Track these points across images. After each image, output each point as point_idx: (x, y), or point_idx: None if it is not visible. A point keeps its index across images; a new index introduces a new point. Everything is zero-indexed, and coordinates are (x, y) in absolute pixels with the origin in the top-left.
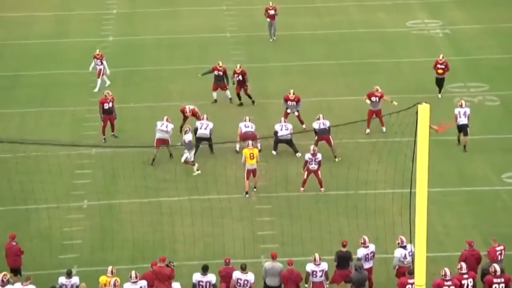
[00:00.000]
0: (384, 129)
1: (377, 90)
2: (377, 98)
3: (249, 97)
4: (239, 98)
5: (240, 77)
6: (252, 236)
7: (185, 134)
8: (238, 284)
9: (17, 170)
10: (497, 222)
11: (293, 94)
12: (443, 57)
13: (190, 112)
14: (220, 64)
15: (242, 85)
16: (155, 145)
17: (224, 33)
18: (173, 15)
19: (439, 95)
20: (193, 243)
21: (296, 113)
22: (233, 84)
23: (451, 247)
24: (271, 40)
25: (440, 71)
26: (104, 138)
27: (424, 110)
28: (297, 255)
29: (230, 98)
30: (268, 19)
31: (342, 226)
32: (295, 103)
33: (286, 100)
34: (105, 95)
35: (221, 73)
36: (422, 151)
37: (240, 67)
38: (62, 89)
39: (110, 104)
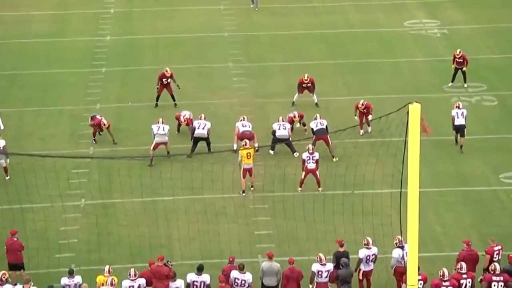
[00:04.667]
0: (369, 129)
1: (362, 104)
2: (364, 110)
3: (173, 98)
4: (157, 100)
5: (169, 79)
6: (249, 236)
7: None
8: (236, 284)
9: (15, 169)
10: (495, 222)
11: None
12: (460, 52)
13: (185, 121)
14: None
15: (167, 87)
16: (152, 148)
17: (222, 32)
18: (170, 14)
19: (465, 85)
20: (190, 243)
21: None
22: (157, 90)
23: (449, 247)
24: (252, 6)
25: (457, 65)
26: (94, 139)
27: (415, 110)
28: (294, 254)
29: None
30: None
31: (339, 226)
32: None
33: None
34: (103, 123)
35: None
36: (413, 151)
37: (169, 71)
38: (60, 88)
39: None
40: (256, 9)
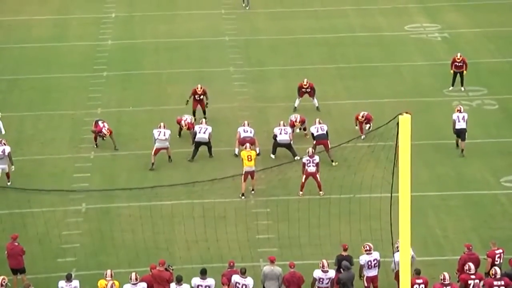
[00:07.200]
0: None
1: (363, 116)
2: (363, 120)
3: (204, 112)
4: (194, 114)
5: (202, 96)
6: (251, 240)
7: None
8: None
9: (16, 173)
10: (496, 226)
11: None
12: (460, 56)
13: (186, 126)
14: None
15: (200, 103)
16: (153, 153)
17: (223, 36)
18: (171, 18)
19: (462, 88)
20: (192, 247)
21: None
22: (186, 104)
23: (450, 250)
24: (244, 5)
25: (456, 69)
26: (96, 144)
27: (405, 121)
28: (296, 259)
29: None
30: None
31: (340, 230)
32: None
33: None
34: (104, 133)
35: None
36: (404, 162)
37: (200, 88)
38: (61, 93)
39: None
40: (247, 8)
